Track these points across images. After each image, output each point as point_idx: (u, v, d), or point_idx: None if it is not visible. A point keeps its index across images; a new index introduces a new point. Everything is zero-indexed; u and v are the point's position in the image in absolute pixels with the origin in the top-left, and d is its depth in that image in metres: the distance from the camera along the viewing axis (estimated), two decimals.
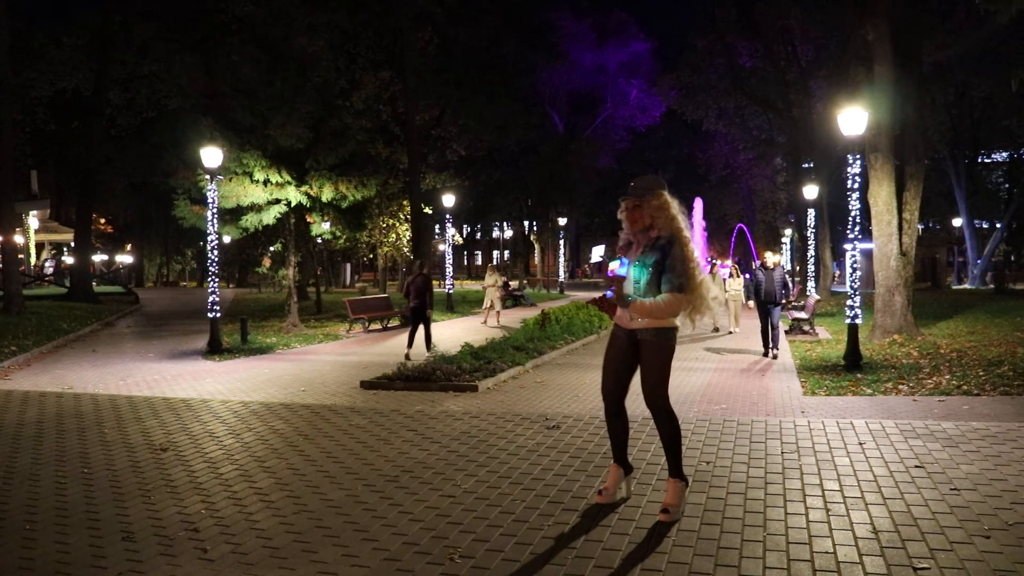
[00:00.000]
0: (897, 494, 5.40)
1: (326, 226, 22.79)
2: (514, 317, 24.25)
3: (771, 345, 14.10)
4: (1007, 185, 48.82)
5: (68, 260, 44.32)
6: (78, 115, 33.28)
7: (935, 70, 27.63)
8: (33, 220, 41.31)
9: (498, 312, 23.45)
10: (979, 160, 46.32)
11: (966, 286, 42.57)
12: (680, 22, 75.24)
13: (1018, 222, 46.93)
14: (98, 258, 53.55)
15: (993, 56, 31.73)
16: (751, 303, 14.73)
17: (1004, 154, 47.53)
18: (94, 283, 35.10)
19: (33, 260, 42.47)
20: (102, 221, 54.98)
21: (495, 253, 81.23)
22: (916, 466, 6.08)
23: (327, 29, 23.32)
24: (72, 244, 37.23)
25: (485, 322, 22.83)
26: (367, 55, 28.76)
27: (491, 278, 23.53)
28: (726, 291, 19.53)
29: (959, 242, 47.33)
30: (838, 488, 5.57)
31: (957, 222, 45.26)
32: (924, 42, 19.70)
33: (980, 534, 4.59)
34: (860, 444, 6.81)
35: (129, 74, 31.25)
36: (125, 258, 60.29)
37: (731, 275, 20.46)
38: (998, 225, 44.58)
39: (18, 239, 30.52)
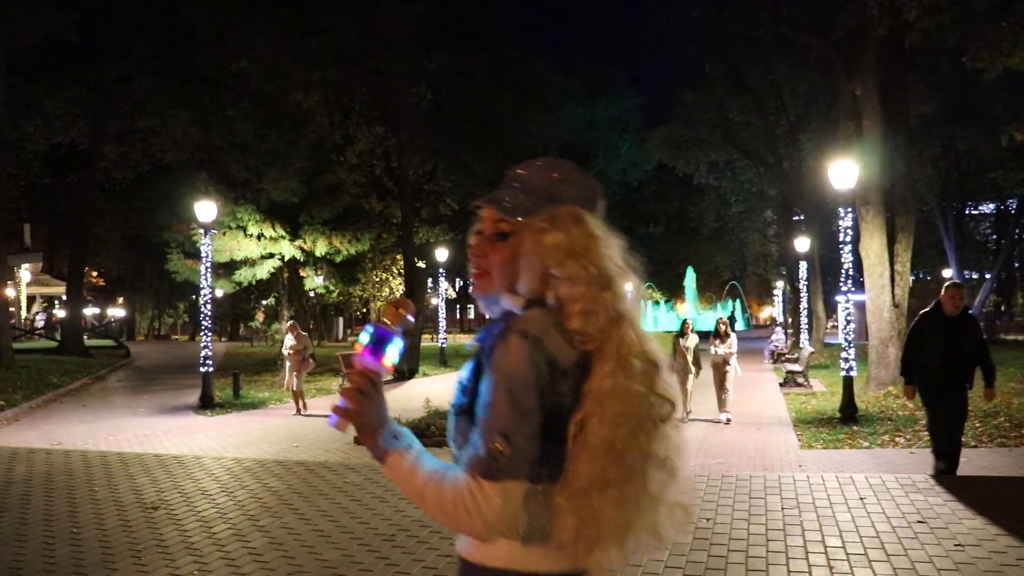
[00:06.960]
0: (901, 550, 5.34)
1: (319, 280, 22.85)
2: None
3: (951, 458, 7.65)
4: (995, 236, 49.24)
5: (59, 313, 44.15)
6: (73, 169, 33.40)
7: (922, 124, 28.04)
8: (25, 273, 41.30)
9: (301, 395, 15.16)
10: (967, 212, 46.76)
11: None
12: (670, 77, 76.53)
13: (1007, 273, 47.15)
14: (89, 311, 53.36)
15: (976, 110, 32.23)
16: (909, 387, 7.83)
17: (991, 206, 48.06)
18: (85, 336, 34.94)
19: (24, 313, 42.31)
20: (94, 274, 54.85)
21: None
22: (919, 521, 6.02)
23: (321, 85, 23.58)
24: (63, 297, 37.10)
25: (298, 412, 14.91)
26: (361, 110, 29.02)
27: (291, 339, 15.41)
28: (711, 351, 13.15)
29: None
30: (840, 544, 5.51)
31: (947, 273, 45.51)
32: (909, 97, 20.00)
33: None
34: (861, 499, 6.74)
35: (124, 128, 31.46)
36: (117, 311, 60.13)
37: (717, 333, 13.14)
38: (988, 276, 44.85)
39: (9, 292, 30.44)
